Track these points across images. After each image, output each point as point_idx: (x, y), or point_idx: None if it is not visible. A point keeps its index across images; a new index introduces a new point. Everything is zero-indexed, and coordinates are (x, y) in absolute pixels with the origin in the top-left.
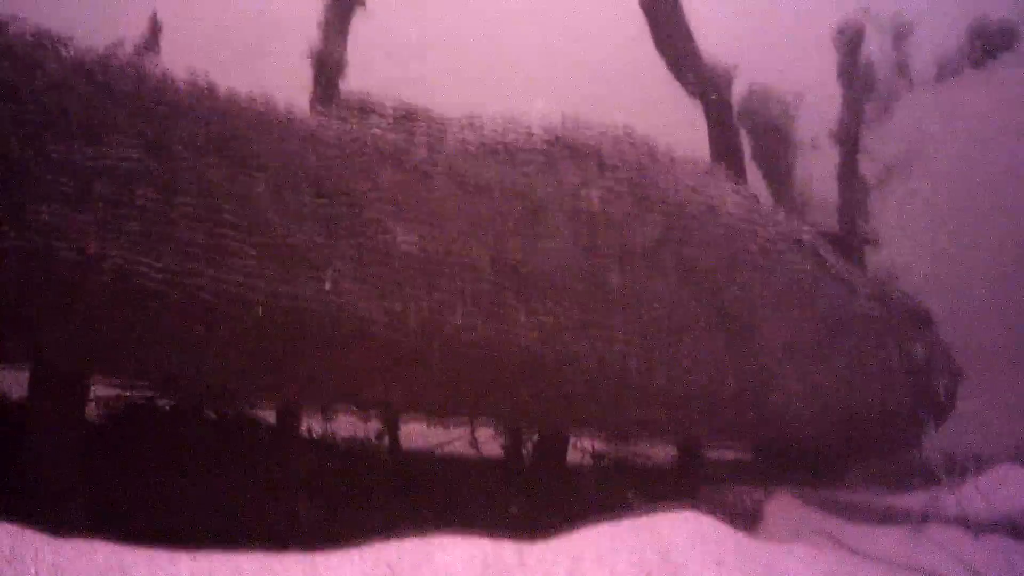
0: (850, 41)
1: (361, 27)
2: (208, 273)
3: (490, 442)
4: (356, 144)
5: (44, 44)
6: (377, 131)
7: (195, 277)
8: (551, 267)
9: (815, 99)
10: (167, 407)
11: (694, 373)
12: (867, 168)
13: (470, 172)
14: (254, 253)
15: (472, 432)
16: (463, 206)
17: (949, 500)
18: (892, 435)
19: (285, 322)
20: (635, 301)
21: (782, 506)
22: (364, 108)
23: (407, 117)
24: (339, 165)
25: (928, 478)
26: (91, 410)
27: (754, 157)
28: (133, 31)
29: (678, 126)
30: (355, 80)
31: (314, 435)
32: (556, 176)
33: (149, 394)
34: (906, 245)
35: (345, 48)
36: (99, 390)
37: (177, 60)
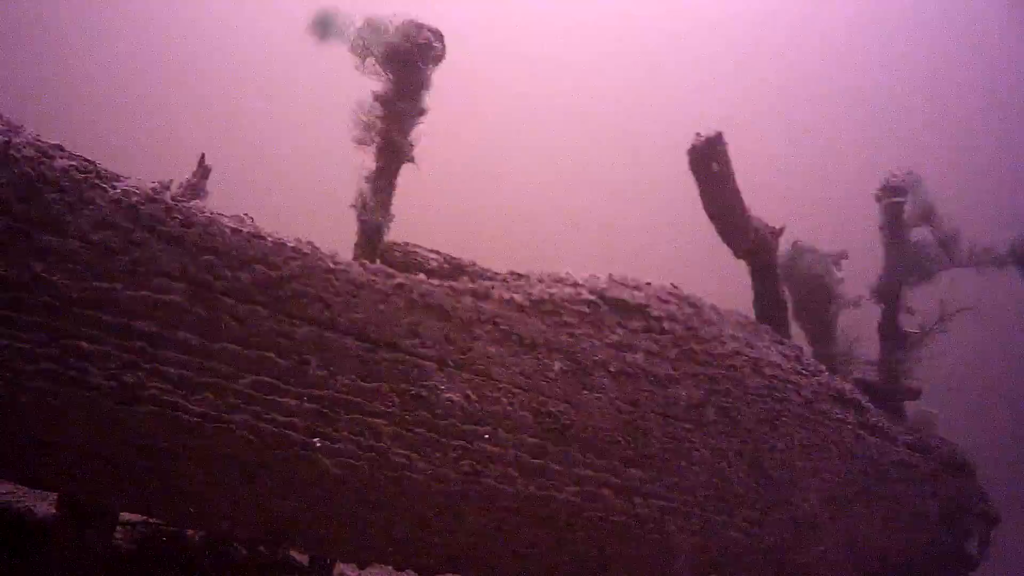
0: (893, 200)
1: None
2: (246, 414)
3: None
4: (401, 295)
5: (92, 180)
6: (423, 284)
7: (233, 416)
8: (593, 423)
9: (858, 256)
10: (196, 538)
11: (731, 529)
12: (908, 323)
13: (515, 326)
14: (294, 400)
15: None
16: (507, 359)
17: None
18: None
19: (323, 468)
20: (676, 457)
21: None
22: (409, 261)
23: (453, 270)
24: (384, 315)
25: None
26: (117, 534)
27: (796, 312)
28: (181, 172)
29: (723, 284)
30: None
31: None
32: (601, 332)
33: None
34: (945, 396)
35: (391, 200)
36: (127, 514)
37: (224, 205)
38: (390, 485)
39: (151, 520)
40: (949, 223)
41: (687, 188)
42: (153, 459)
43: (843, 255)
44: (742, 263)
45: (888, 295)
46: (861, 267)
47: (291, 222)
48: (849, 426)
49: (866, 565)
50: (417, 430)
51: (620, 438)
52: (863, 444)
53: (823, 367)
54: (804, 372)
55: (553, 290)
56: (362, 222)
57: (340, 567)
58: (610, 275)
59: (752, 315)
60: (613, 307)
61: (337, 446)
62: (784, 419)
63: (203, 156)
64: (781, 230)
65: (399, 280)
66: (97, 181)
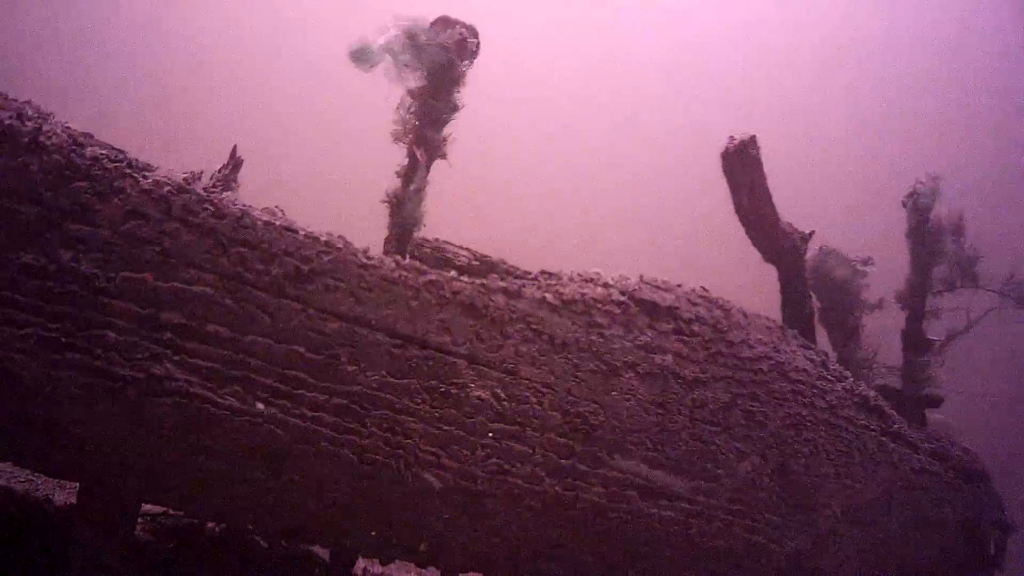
0: (920, 207)
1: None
2: (274, 408)
3: None
4: (433, 291)
5: (123, 170)
6: (455, 281)
7: (260, 409)
8: (621, 424)
9: (883, 262)
10: (216, 530)
11: (754, 533)
12: (931, 330)
13: (546, 326)
14: (323, 395)
15: None
16: (537, 359)
17: None
18: None
19: (350, 463)
20: (703, 459)
21: None
22: (439, 257)
23: (483, 267)
24: (415, 312)
25: None
26: (138, 525)
27: (821, 317)
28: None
29: (752, 288)
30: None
31: None
32: (631, 333)
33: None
34: (965, 403)
35: (423, 198)
36: (148, 505)
37: (255, 196)
38: (418, 482)
39: (172, 512)
40: (971, 243)
41: (717, 191)
42: (178, 451)
43: (869, 260)
44: (769, 267)
45: (913, 302)
46: (886, 274)
47: (316, 217)
48: (872, 433)
49: (885, 571)
50: (445, 427)
51: (647, 440)
52: (886, 451)
53: (848, 373)
54: (830, 378)
55: (584, 290)
56: (394, 217)
57: (362, 563)
58: (641, 276)
59: (779, 319)
60: (643, 308)
61: (366, 442)
62: (809, 424)
63: (235, 148)
64: (810, 235)
65: (431, 277)
66: (128, 170)
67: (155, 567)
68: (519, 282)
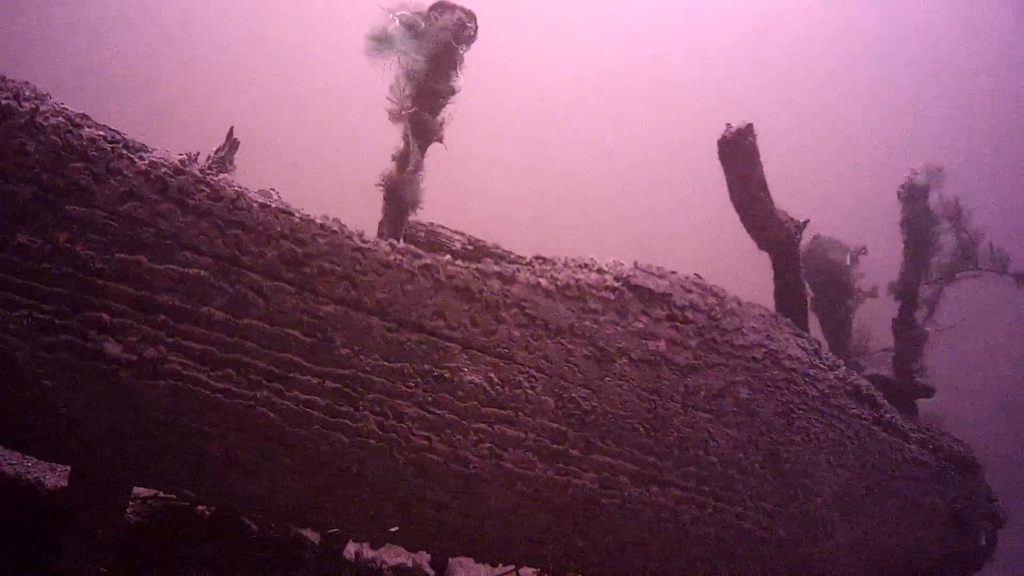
0: (915, 197)
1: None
2: (268, 390)
3: None
4: (428, 275)
5: (120, 151)
6: (450, 266)
7: (255, 392)
8: (614, 410)
9: (877, 251)
10: (207, 513)
11: (745, 520)
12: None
13: (541, 311)
14: (316, 379)
15: (517, 569)
16: (531, 344)
17: None
18: None
19: (342, 446)
20: (694, 446)
21: None
22: (433, 241)
23: (477, 252)
24: (410, 296)
25: None
26: (129, 508)
27: (813, 305)
28: (210, 144)
29: (745, 276)
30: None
31: (360, 560)
32: (625, 320)
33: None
34: (956, 393)
35: (420, 181)
36: (138, 488)
37: (250, 178)
38: (410, 466)
39: (162, 495)
40: (972, 226)
41: (713, 179)
42: (171, 434)
43: (862, 250)
44: (763, 255)
45: (906, 292)
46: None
47: (310, 200)
48: (864, 422)
49: (875, 560)
50: (439, 412)
51: (640, 426)
52: (877, 440)
53: (840, 362)
54: (822, 366)
55: (579, 276)
56: (389, 201)
57: (352, 546)
58: (635, 263)
59: (772, 307)
60: (637, 295)
61: (359, 425)
62: (801, 412)
63: (232, 129)
64: (805, 223)
65: (426, 261)
66: (124, 152)
67: (145, 550)
68: (513, 267)
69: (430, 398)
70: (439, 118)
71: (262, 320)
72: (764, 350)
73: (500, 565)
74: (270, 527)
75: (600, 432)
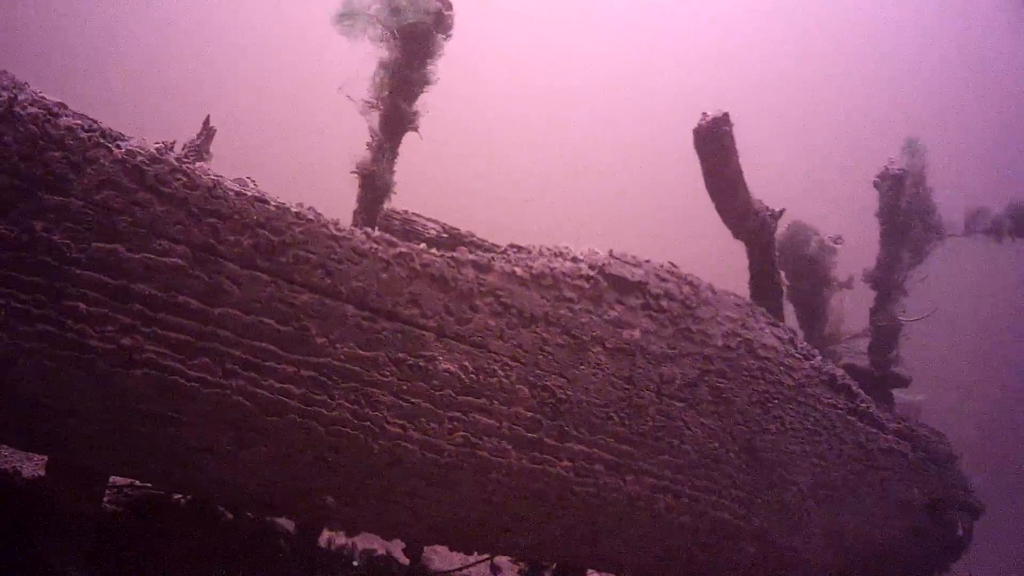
0: (892, 186)
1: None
2: (243, 379)
3: (509, 567)
4: (403, 264)
5: (97, 139)
6: (425, 254)
7: (230, 381)
8: (589, 398)
9: (853, 239)
10: (183, 501)
11: (720, 509)
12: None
13: (515, 299)
14: (292, 367)
15: (492, 558)
16: (506, 332)
17: None
18: (908, 572)
19: (317, 435)
20: (669, 435)
21: None
22: (407, 229)
23: (452, 240)
24: (385, 284)
25: None
26: (106, 497)
27: (790, 293)
28: (185, 133)
29: (720, 264)
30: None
31: (333, 548)
32: (599, 308)
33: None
34: (933, 383)
35: (393, 170)
36: (114, 477)
37: (226, 167)
38: (385, 454)
39: (138, 483)
40: (928, 195)
41: (688, 169)
42: (147, 423)
43: (839, 239)
44: (739, 244)
45: (882, 282)
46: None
47: (285, 188)
48: (840, 411)
49: (851, 549)
50: (414, 400)
51: (614, 415)
52: (853, 430)
53: (816, 351)
54: (797, 355)
55: (554, 264)
56: (363, 189)
57: (327, 534)
58: (610, 251)
59: (748, 296)
60: (612, 283)
61: (333, 414)
62: (776, 402)
63: (208, 118)
64: (781, 212)
65: (401, 249)
66: (101, 140)
67: (122, 539)
68: (488, 255)
69: (405, 386)
70: (414, 107)
71: (238, 309)
72: (739, 339)
73: (475, 553)
74: (245, 515)
75: (574, 420)
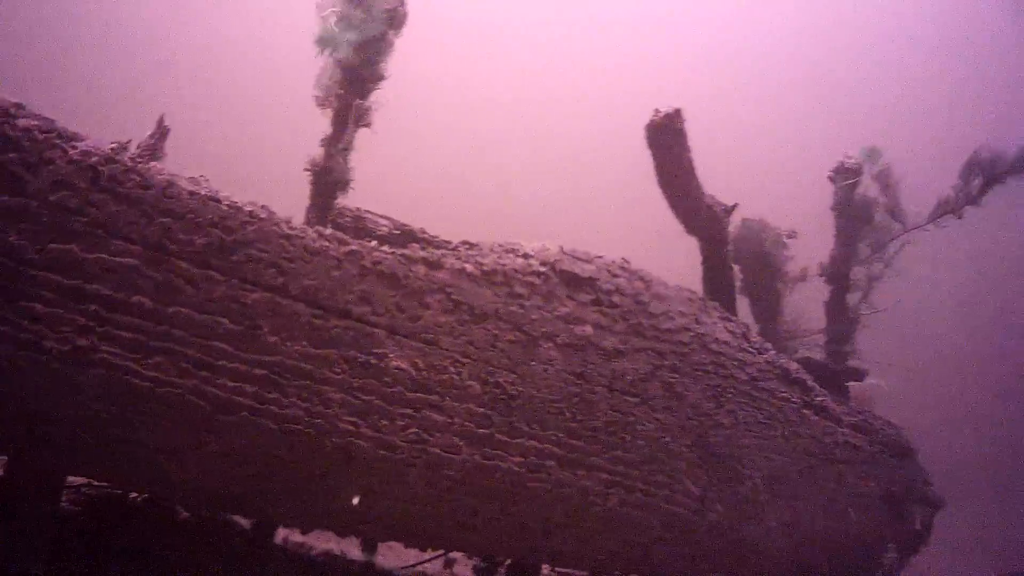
0: (847, 179)
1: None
2: (197, 378)
3: (464, 563)
4: (354, 262)
5: (53, 140)
6: (376, 252)
7: (184, 380)
8: (540, 394)
9: (808, 234)
10: (139, 500)
11: (674, 504)
12: (855, 302)
13: (466, 296)
14: (245, 366)
15: (446, 553)
16: (457, 329)
17: None
18: (866, 566)
19: (271, 433)
20: (621, 430)
21: None
22: (359, 227)
23: (403, 236)
24: (336, 282)
25: None
26: (64, 496)
27: (744, 288)
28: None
29: (673, 260)
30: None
31: (289, 545)
32: (550, 304)
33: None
34: (889, 376)
35: (347, 166)
36: (71, 477)
37: (182, 165)
38: (337, 452)
39: (96, 483)
40: (894, 190)
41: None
42: (103, 422)
43: (792, 233)
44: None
45: (837, 275)
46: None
47: (240, 186)
48: (794, 405)
49: (808, 543)
50: (365, 397)
51: (566, 410)
52: (808, 423)
53: (769, 345)
54: (750, 350)
55: (504, 261)
56: (316, 186)
57: (282, 532)
58: (561, 247)
59: (701, 291)
60: (563, 279)
61: (286, 412)
62: (729, 396)
63: (162, 117)
64: (733, 208)
65: (352, 247)
66: (58, 141)
67: (81, 538)
68: (439, 252)
69: (357, 384)
70: (367, 104)
71: (191, 308)
72: (692, 334)
73: (429, 549)
74: (201, 513)
75: (526, 416)
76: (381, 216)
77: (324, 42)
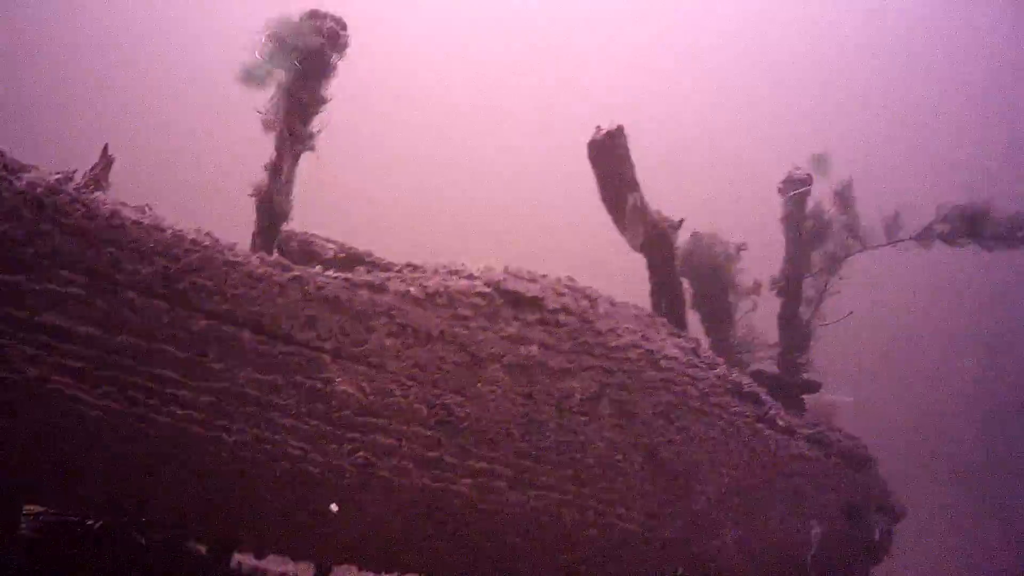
0: (797, 191)
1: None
2: (146, 406)
3: None
4: (298, 287)
5: (0, 172)
6: (320, 277)
7: (133, 409)
8: (488, 415)
9: (759, 246)
10: (96, 526)
11: (628, 521)
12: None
13: (410, 319)
14: (191, 393)
15: None
16: (402, 351)
17: None
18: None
19: (221, 460)
20: (572, 449)
21: None
22: (305, 251)
23: (349, 260)
24: (281, 308)
25: None
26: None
27: (695, 302)
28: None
29: (620, 277)
30: (298, 221)
31: (243, 570)
32: (496, 325)
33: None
34: (845, 386)
35: (291, 191)
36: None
37: (126, 192)
38: (287, 477)
39: (52, 510)
40: (853, 207)
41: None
42: (57, 452)
43: (743, 245)
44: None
45: (789, 287)
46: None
47: (190, 212)
48: (747, 419)
49: (765, 556)
50: (313, 422)
51: (514, 430)
52: (761, 437)
53: (720, 360)
54: (701, 365)
55: (449, 282)
56: (261, 212)
57: (237, 556)
58: (506, 267)
59: (649, 307)
60: (508, 300)
61: (235, 438)
62: (680, 412)
63: (106, 146)
64: (680, 223)
65: (295, 273)
66: (3, 172)
67: (38, 564)
68: (384, 275)
69: (304, 409)
70: (310, 128)
71: (138, 337)
72: (640, 351)
73: (383, 573)
74: (156, 538)
75: (475, 438)
76: (328, 240)
77: (248, 79)
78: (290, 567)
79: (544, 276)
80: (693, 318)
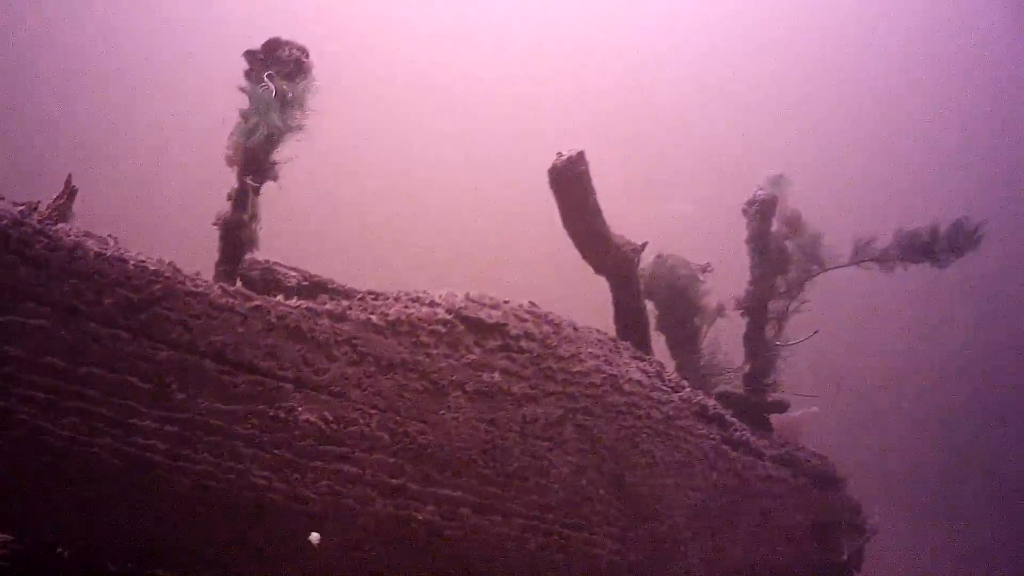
0: (760, 212)
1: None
2: (110, 436)
3: None
4: (259, 317)
5: None
6: (281, 306)
7: (98, 439)
8: (451, 443)
9: (724, 267)
10: (65, 555)
11: (594, 546)
12: (774, 334)
13: (372, 347)
14: (155, 423)
15: None
16: (364, 380)
17: None
18: None
19: (185, 490)
20: (536, 475)
21: None
22: (268, 279)
23: (312, 287)
24: (242, 338)
25: None
26: None
27: (659, 324)
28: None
29: (583, 302)
30: (263, 250)
31: None
32: (457, 352)
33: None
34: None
35: (255, 222)
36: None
37: (91, 222)
38: (251, 506)
39: (22, 539)
40: (810, 228)
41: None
42: (25, 483)
43: (708, 267)
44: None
45: (754, 308)
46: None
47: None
48: (712, 441)
49: None
50: (276, 451)
51: (478, 457)
52: (727, 459)
53: (685, 383)
54: (665, 388)
55: (410, 310)
56: (224, 240)
57: None
58: (467, 294)
59: (613, 331)
60: (469, 326)
61: (199, 468)
62: (645, 436)
63: (69, 177)
64: (643, 247)
65: (257, 302)
66: None
67: None
68: (345, 304)
69: (267, 438)
70: (272, 157)
71: (101, 367)
72: (603, 375)
73: None
74: (127, 567)
75: (438, 465)
76: (291, 268)
77: (246, 136)
78: None
79: (506, 302)
80: (659, 341)
